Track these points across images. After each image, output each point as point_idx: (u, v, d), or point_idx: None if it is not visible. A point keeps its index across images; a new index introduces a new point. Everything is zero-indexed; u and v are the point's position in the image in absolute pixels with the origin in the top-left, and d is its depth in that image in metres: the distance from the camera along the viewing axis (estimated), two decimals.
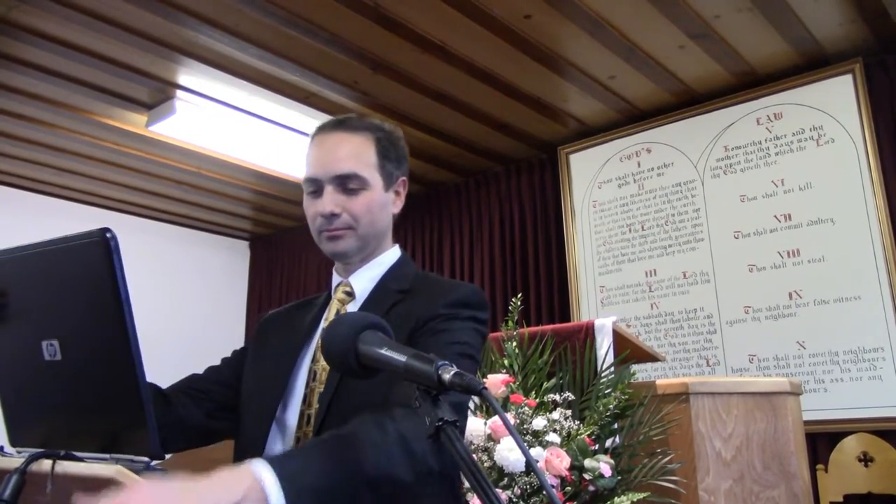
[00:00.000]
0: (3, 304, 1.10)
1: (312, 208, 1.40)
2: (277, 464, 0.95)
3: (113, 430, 1.02)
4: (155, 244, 6.38)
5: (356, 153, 1.39)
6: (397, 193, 1.46)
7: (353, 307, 1.41)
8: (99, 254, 0.96)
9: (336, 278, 1.48)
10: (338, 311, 1.42)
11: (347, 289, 1.44)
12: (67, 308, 1.04)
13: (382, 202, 1.41)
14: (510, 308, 2.55)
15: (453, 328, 1.30)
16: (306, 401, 1.32)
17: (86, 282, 1.00)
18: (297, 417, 1.32)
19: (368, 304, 1.39)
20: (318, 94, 4.23)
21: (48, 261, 1.03)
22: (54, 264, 1.03)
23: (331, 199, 1.36)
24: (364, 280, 1.43)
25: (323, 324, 1.43)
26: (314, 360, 1.37)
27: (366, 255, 1.44)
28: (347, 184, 1.37)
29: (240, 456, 1.37)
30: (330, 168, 1.37)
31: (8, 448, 1.12)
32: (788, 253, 4.04)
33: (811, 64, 4.07)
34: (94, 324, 1.01)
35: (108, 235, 0.95)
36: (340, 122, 1.44)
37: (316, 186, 1.39)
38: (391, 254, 1.47)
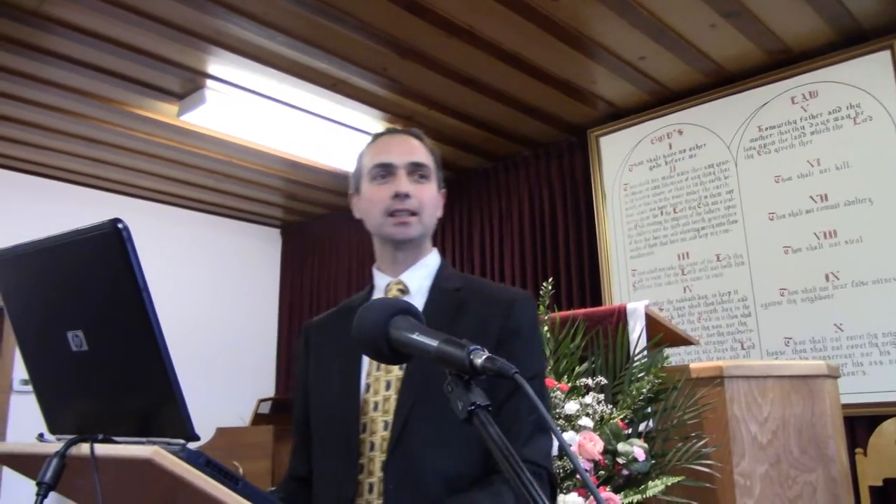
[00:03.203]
0: (26, 297, 1.12)
1: (383, 191, 1.48)
2: None
3: (147, 415, 1.03)
4: (187, 233, 6.47)
5: (424, 152, 1.54)
6: (440, 200, 1.59)
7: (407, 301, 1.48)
8: (112, 244, 0.96)
9: (383, 277, 1.54)
10: None
11: (401, 286, 1.50)
12: (88, 299, 1.05)
13: (437, 199, 1.55)
14: (541, 292, 2.54)
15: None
16: (367, 429, 1.38)
17: (102, 272, 1.00)
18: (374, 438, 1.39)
19: (432, 305, 1.47)
20: (347, 81, 4.23)
21: (64, 253, 1.04)
22: (70, 256, 1.03)
23: (406, 183, 1.48)
24: (417, 279, 1.51)
25: None
26: (367, 373, 1.43)
27: (417, 251, 1.52)
28: (419, 171, 1.50)
29: (330, 476, 1.41)
30: (406, 156, 1.50)
31: (47, 435, 1.14)
32: (825, 234, 3.97)
33: (847, 40, 3.98)
34: (116, 313, 1.01)
35: (119, 226, 0.95)
36: (410, 131, 1.59)
37: (387, 171, 1.49)
38: (434, 256, 1.56)
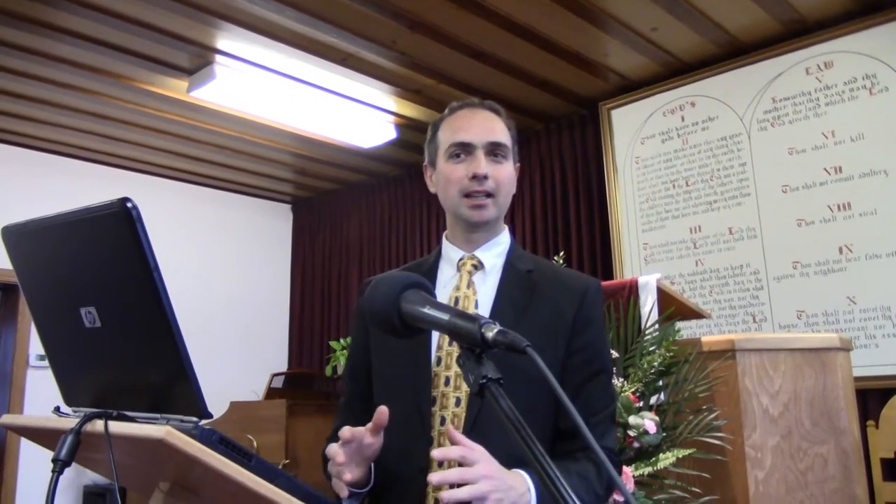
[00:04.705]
0: (39, 273, 1.13)
1: (460, 170, 1.47)
2: (536, 481, 1.18)
3: (161, 392, 1.04)
4: (198, 208, 6.49)
5: (502, 129, 1.51)
6: (515, 175, 1.56)
7: (479, 277, 1.48)
8: (121, 224, 0.96)
9: (456, 251, 1.52)
10: (468, 283, 1.47)
11: (475, 262, 1.49)
12: (99, 276, 1.05)
13: (514, 177, 1.53)
14: None
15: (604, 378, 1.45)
16: (438, 402, 1.38)
17: (113, 251, 1.01)
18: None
19: (506, 284, 1.47)
20: (357, 55, 4.21)
21: (75, 230, 1.04)
22: (81, 234, 1.04)
23: (484, 164, 1.45)
24: (492, 256, 1.50)
25: (452, 292, 1.48)
26: (438, 346, 1.42)
27: (491, 231, 1.51)
28: (497, 152, 1.47)
29: (399, 446, 1.38)
30: (485, 135, 1.47)
31: (64, 408, 1.15)
32: (839, 206, 3.93)
33: (864, 9, 3.91)
34: (127, 291, 1.02)
35: (128, 205, 0.95)
36: (488, 105, 1.55)
37: (464, 151, 1.47)
38: (506, 235, 1.55)
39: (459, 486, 1.11)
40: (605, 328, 1.52)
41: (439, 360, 1.40)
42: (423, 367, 1.40)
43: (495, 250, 1.51)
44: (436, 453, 1.13)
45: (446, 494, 1.09)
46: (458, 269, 1.50)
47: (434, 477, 1.11)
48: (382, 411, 1.24)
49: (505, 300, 1.43)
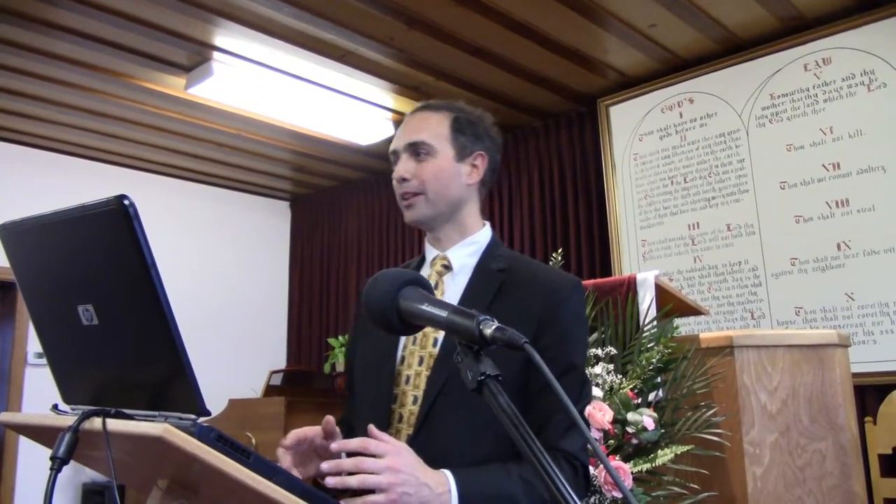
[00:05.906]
0: (36, 271, 1.13)
1: (393, 177, 1.52)
2: (462, 480, 1.19)
3: (159, 389, 1.04)
4: (196, 206, 6.48)
5: (429, 125, 1.51)
6: (473, 167, 1.52)
7: (450, 278, 1.48)
8: (119, 221, 0.96)
9: (431, 250, 1.55)
10: (436, 284, 1.48)
11: (445, 262, 1.51)
12: (96, 274, 1.05)
13: (452, 170, 1.49)
14: (551, 263, 2.54)
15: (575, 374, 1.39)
16: (398, 400, 1.40)
17: (110, 248, 1.00)
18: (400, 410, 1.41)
19: (473, 284, 1.46)
20: (355, 52, 4.20)
21: (71, 228, 1.04)
22: (78, 232, 1.04)
23: (403, 166, 1.49)
24: (461, 256, 1.50)
25: None
26: (403, 346, 1.44)
27: (452, 229, 1.51)
28: (419, 150, 1.48)
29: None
30: (406, 138, 1.51)
31: (62, 406, 1.15)
32: (837, 203, 3.94)
33: (862, 5, 3.91)
34: (125, 288, 1.02)
35: (125, 203, 0.95)
36: (426, 105, 1.57)
37: (395, 157, 1.53)
38: (484, 233, 1.54)
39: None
40: (581, 327, 1.46)
41: (403, 359, 1.42)
42: (388, 364, 1.43)
43: (467, 250, 1.50)
44: (333, 445, 1.14)
45: (332, 480, 1.07)
46: (431, 269, 1.51)
47: (324, 465, 1.10)
48: (328, 420, 1.30)
49: (468, 302, 1.41)
